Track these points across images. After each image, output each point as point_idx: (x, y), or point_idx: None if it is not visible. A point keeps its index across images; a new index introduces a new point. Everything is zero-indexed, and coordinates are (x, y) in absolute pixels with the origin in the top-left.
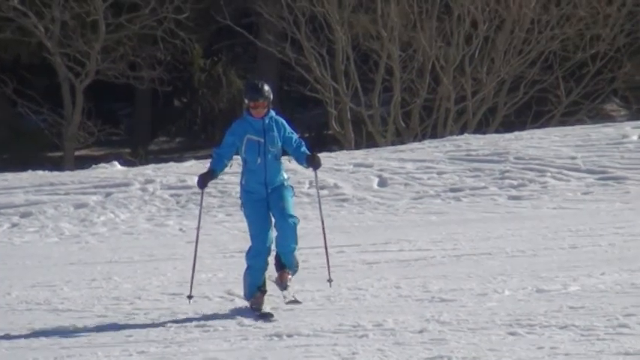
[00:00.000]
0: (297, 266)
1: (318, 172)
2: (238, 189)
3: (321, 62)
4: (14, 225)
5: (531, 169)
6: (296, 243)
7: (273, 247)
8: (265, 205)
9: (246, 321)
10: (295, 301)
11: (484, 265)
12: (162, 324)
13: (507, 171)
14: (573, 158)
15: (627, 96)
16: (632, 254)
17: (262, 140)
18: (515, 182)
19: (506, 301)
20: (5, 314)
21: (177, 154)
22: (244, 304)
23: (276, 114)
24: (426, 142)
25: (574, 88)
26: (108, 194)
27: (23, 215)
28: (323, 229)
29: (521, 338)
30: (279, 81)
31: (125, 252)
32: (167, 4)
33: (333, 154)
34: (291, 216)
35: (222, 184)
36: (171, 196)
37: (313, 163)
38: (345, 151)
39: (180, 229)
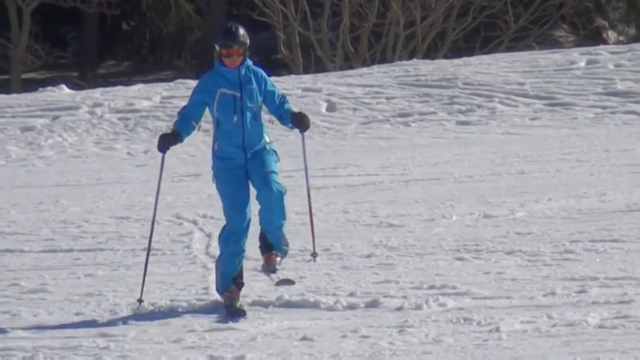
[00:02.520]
0: (286, 246)
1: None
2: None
3: None
4: None
5: (479, 95)
6: (284, 217)
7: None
8: (243, 173)
9: (195, 245)
10: (288, 281)
11: (432, 190)
12: (110, 248)
13: (456, 96)
14: (521, 84)
15: (575, 22)
16: (578, 180)
17: (238, 95)
18: (463, 107)
19: (454, 227)
20: None
21: (125, 78)
22: (192, 228)
23: (254, 64)
24: (375, 67)
25: (522, 13)
26: (55, 117)
27: None
28: (309, 198)
29: (468, 263)
30: (228, 5)
31: (73, 175)
32: None
33: (281, 79)
34: (277, 183)
35: (171, 108)
36: (120, 119)
37: (301, 123)
38: (293, 76)
39: (128, 153)
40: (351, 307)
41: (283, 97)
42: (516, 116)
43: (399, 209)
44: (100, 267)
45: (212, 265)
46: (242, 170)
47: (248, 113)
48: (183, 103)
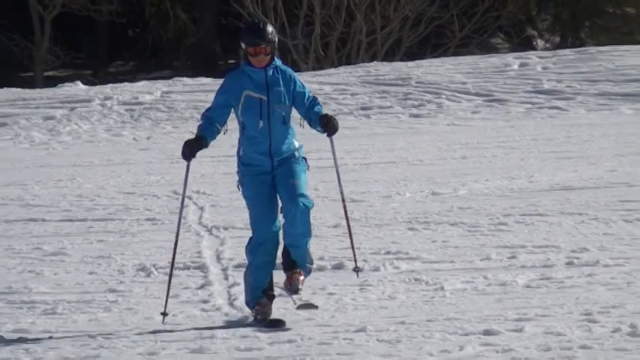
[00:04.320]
0: (311, 263)
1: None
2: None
3: (254, 0)
4: None
5: (429, 92)
6: (309, 234)
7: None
8: (270, 180)
9: (190, 216)
10: (310, 305)
11: (389, 171)
12: (119, 218)
13: (409, 93)
14: (464, 83)
15: (510, 32)
16: (511, 164)
17: (265, 98)
18: (415, 103)
19: (407, 202)
20: None
21: (131, 76)
22: (187, 202)
23: (283, 63)
24: (341, 68)
25: (466, 24)
26: (72, 108)
27: (0, 125)
28: (345, 209)
29: (418, 233)
30: (218, 15)
31: (87, 157)
32: None
33: None
34: (303, 196)
35: (170, 101)
36: (126, 110)
37: (328, 126)
38: None
39: (134, 139)
40: (320, 269)
41: (314, 98)
42: (460, 110)
43: (361, 187)
44: (110, 234)
45: (204, 233)
46: (269, 177)
47: (275, 118)
48: (181, 97)
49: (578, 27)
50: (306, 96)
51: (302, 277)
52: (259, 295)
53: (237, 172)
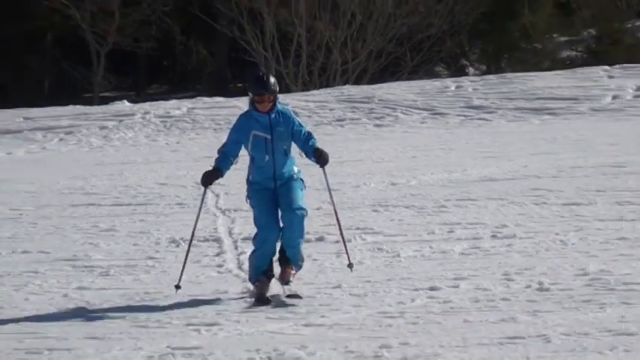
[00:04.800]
0: (302, 261)
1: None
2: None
3: (256, 38)
4: (61, 140)
5: (389, 107)
6: (302, 236)
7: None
8: (272, 194)
9: (209, 201)
10: (296, 296)
11: (358, 167)
12: (155, 203)
13: (373, 108)
14: (415, 101)
15: (449, 62)
16: (450, 161)
17: (269, 137)
18: (378, 115)
19: (372, 190)
20: (56, 196)
21: (164, 96)
22: (207, 191)
23: (280, 104)
24: (322, 90)
25: (416, 56)
26: (120, 120)
27: (67, 133)
28: (337, 220)
29: (380, 214)
30: (229, 50)
31: (131, 157)
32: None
33: None
34: (300, 208)
35: (194, 115)
36: (161, 122)
37: (320, 159)
38: None
39: (166, 143)
40: (307, 240)
41: (309, 134)
42: (411, 121)
43: (338, 179)
44: (148, 215)
45: (219, 214)
46: (272, 192)
47: (278, 152)
48: (202, 112)
49: (499, 58)
50: (303, 132)
51: (293, 272)
52: (260, 274)
53: (247, 189)
